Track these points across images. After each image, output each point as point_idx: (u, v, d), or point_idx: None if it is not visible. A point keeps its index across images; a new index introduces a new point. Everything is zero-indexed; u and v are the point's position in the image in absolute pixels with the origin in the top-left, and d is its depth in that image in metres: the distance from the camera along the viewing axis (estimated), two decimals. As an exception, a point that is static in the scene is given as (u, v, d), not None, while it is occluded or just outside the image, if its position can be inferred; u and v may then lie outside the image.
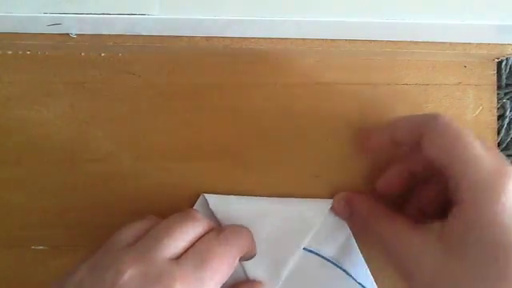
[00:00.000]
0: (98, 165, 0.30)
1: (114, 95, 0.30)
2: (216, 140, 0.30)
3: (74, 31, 0.27)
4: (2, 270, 0.30)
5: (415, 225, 0.25)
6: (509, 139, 0.31)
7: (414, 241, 0.24)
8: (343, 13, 0.25)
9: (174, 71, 0.30)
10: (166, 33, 0.28)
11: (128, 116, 0.30)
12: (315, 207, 0.29)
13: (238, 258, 0.25)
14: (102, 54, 0.30)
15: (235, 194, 0.30)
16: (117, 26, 0.26)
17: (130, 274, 0.21)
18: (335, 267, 0.29)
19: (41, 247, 0.30)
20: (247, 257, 0.27)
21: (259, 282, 0.28)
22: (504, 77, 0.31)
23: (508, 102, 0.31)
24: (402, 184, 0.28)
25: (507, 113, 0.31)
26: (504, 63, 0.31)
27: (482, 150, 0.23)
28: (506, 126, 0.31)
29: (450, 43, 0.28)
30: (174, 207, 0.30)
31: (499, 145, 0.32)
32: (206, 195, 0.29)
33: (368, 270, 0.29)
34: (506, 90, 0.31)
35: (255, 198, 0.30)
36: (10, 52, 0.30)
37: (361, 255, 0.29)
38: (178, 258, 0.23)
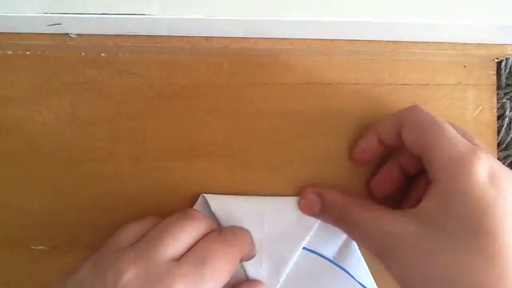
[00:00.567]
0: (98, 165, 0.30)
1: (114, 95, 0.30)
2: (216, 140, 0.30)
3: (74, 31, 0.27)
4: (2, 270, 0.30)
5: (393, 209, 0.25)
6: (509, 139, 0.31)
7: (394, 220, 0.24)
8: (343, 13, 0.25)
9: (174, 71, 0.30)
10: (166, 33, 0.28)
11: (128, 116, 0.30)
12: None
13: (239, 258, 0.25)
14: (102, 54, 0.30)
15: (235, 194, 0.30)
16: (117, 26, 0.26)
17: (130, 273, 0.21)
18: (335, 267, 0.29)
19: (41, 247, 0.30)
20: (247, 257, 0.27)
21: (260, 282, 0.28)
22: (504, 77, 0.31)
23: (508, 101, 0.31)
24: (394, 182, 0.29)
25: (507, 113, 0.31)
26: (504, 63, 0.31)
27: (454, 134, 0.24)
28: (505, 125, 0.31)
29: (450, 43, 0.29)
30: (174, 207, 0.30)
31: (499, 145, 0.32)
32: (205, 195, 0.29)
33: (368, 269, 0.29)
34: (506, 90, 0.31)
35: (255, 197, 0.30)
36: (10, 52, 0.30)
37: (361, 255, 0.29)
38: (179, 257, 0.23)
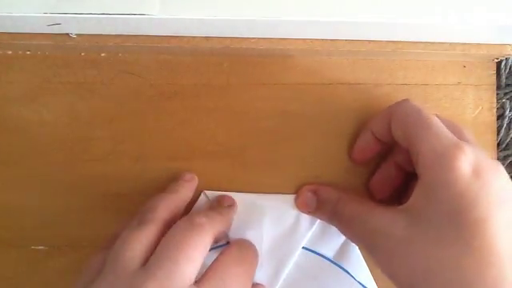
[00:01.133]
0: (98, 165, 0.30)
1: (114, 95, 0.30)
2: (216, 140, 0.30)
3: (74, 31, 0.27)
4: (2, 270, 0.30)
5: (386, 206, 0.25)
6: (508, 139, 0.31)
7: (384, 215, 0.24)
8: (343, 13, 0.25)
9: (174, 71, 0.30)
10: (165, 33, 0.28)
11: (128, 116, 0.30)
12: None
13: (253, 275, 0.25)
14: (102, 54, 0.30)
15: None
16: (117, 26, 0.26)
17: None
18: (335, 266, 0.29)
19: (41, 247, 0.30)
20: None
21: (261, 285, 0.28)
22: (503, 77, 0.31)
23: (507, 101, 0.31)
24: (393, 182, 0.29)
25: (507, 113, 0.31)
26: (503, 63, 0.31)
27: (439, 128, 0.24)
28: (505, 125, 0.31)
29: (450, 43, 0.29)
30: (174, 207, 0.30)
31: (499, 145, 0.32)
32: (206, 192, 0.30)
33: (368, 269, 0.29)
34: (506, 90, 0.31)
35: (255, 195, 0.30)
36: (10, 52, 0.30)
37: (361, 254, 0.29)
38: (197, 280, 0.22)
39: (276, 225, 0.29)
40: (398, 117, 0.25)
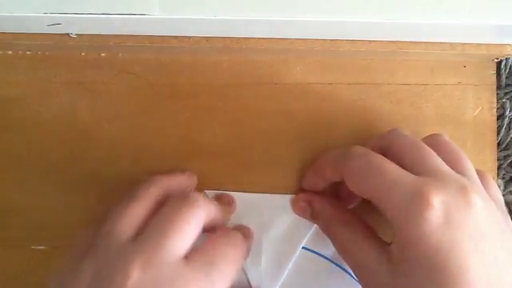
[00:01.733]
0: (98, 165, 0.30)
1: (113, 95, 0.30)
2: (216, 140, 0.30)
3: (74, 31, 0.27)
4: (2, 270, 0.30)
5: (375, 235, 0.25)
6: (508, 139, 0.31)
7: (370, 256, 0.24)
8: (343, 13, 0.25)
9: (174, 71, 0.30)
10: (165, 33, 0.28)
11: (128, 116, 0.30)
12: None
13: (245, 260, 0.25)
14: (102, 54, 0.30)
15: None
16: (117, 26, 0.26)
17: (140, 278, 0.20)
18: (335, 266, 0.29)
19: (41, 247, 0.30)
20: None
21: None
22: (503, 77, 0.31)
23: (508, 101, 0.31)
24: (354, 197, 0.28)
25: (507, 113, 0.31)
26: (503, 63, 0.31)
27: (396, 173, 0.22)
28: (505, 125, 0.31)
29: (450, 43, 0.28)
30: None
31: (499, 145, 0.32)
32: (207, 191, 0.30)
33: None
34: (506, 90, 0.31)
35: (255, 194, 0.30)
36: (10, 52, 0.30)
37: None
38: (187, 256, 0.22)
39: (276, 225, 0.29)
40: (350, 174, 0.24)
